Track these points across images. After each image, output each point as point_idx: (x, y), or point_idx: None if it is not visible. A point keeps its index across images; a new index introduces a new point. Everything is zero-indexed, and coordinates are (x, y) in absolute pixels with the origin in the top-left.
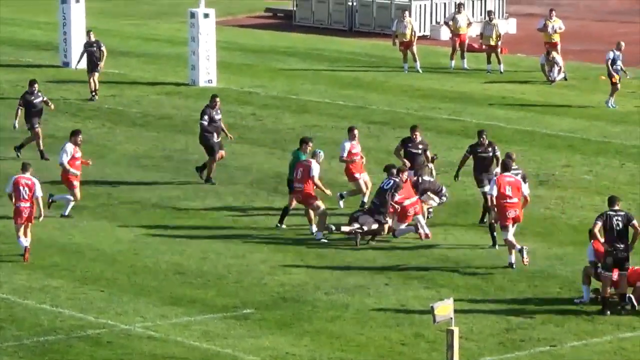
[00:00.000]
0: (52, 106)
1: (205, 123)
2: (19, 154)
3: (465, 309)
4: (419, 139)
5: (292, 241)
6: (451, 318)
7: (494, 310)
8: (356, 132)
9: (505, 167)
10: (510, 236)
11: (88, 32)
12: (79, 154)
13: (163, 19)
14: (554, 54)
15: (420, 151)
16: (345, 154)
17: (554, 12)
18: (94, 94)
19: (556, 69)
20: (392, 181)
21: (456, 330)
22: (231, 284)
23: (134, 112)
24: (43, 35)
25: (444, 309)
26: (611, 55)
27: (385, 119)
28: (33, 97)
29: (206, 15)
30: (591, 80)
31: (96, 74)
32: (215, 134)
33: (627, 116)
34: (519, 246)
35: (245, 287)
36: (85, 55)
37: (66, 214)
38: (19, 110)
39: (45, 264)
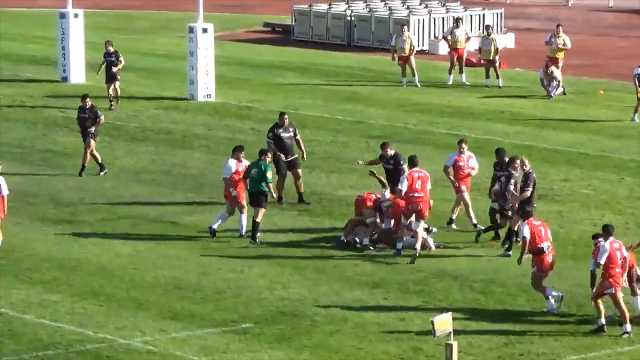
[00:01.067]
0: (102, 119)
1: (271, 142)
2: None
3: (464, 323)
4: (391, 153)
5: (290, 255)
6: (450, 332)
7: (492, 324)
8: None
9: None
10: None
11: (106, 43)
12: (241, 169)
13: (161, 34)
14: (552, 68)
15: (391, 166)
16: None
17: (560, 27)
18: (112, 104)
19: (554, 83)
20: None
21: (455, 344)
22: (230, 299)
23: (133, 127)
24: (41, 50)
25: (444, 323)
26: (638, 70)
27: (384, 134)
28: (81, 112)
29: (205, 30)
30: (589, 94)
31: (116, 83)
32: (283, 154)
33: (625, 130)
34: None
35: (244, 301)
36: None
37: (215, 226)
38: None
39: (44, 279)
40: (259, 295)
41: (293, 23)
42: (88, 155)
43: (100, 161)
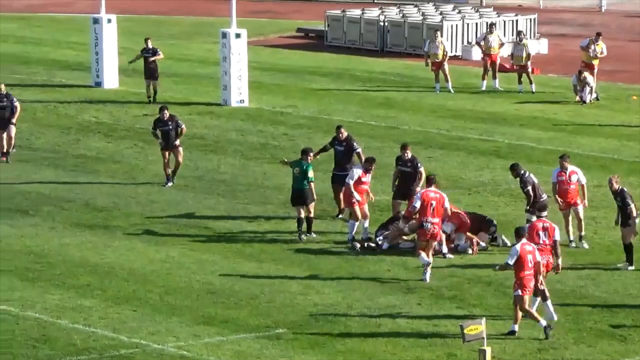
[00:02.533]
0: (184, 128)
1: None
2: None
3: (497, 328)
4: (408, 156)
5: (325, 261)
6: (483, 338)
7: (526, 330)
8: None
9: (429, 182)
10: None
11: (146, 40)
12: (365, 179)
13: (195, 40)
14: (585, 74)
15: (409, 169)
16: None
17: (600, 36)
18: (150, 99)
19: (587, 89)
20: None
21: (488, 350)
22: (263, 304)
23: None
24: (75, 56)
25: (475, 328)
26: None
27: (417, 139)
28: (162, 125)
29: (238, 36)
30: (623, 100)
31: (156, 81)
32: (336, 166)
33: None
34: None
35: (278, 306)
36: (143, 61)
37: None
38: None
39: (77, 284)
40: (293, 300)
41: (326, 28)
42: (180, 165)
43: (176, 173)
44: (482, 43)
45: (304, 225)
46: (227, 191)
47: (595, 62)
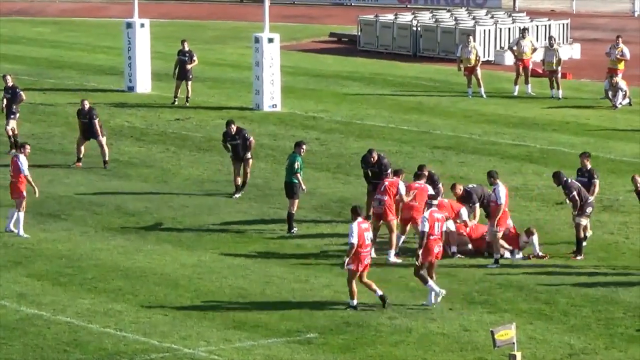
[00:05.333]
0: (252, 141)
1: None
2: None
3: (528, 333)
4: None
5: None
6: (513, 343)
7: (557, 335)
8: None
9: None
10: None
11: (182, 42)
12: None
13: (227, 44)
14: (617, 79)
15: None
16: None
17: (620, 38)
18: (175, 100)
19: (620, 94)
20: None
21: (519, 355)
22: (294, 308)
23: (199, 137)
24: (108, 60)
25: (505, 333)
26: None
27: (449, 144)
28: (230, 139)
29: (270, 40)
30: None
31: (189, 83)
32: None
33: None
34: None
35: (309, 311)
36: (176, 62)
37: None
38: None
39: (109, 288)
40: (324, 305)
41: (359, 33)
42: (248, 176)
43: (245, 184)
44: (515, 48)
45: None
46: (259, 196)
47: (620, 66)
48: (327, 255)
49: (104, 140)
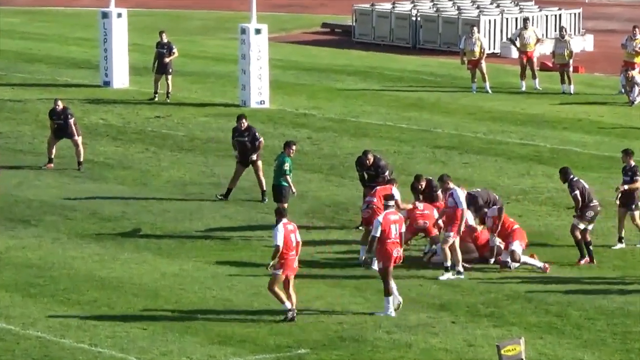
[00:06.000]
0: (261, 141)
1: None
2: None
3: (538, 349)
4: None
5: (350, 275)
6: (522, 359)
7: (570, 350)
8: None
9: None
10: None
11: (161, 33)
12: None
13: (211, 35)
14: (633, 73)
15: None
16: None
17: (637, 29)
18: (155, 95)
19: (637, 89)
20: None
21: None
22: (284, 322)
23: (180, 136)
24: (82, 53)
25: (513, 349)
26: None
27: (452, 144)
28: (238, 134)
29: (258, 31)
30: None
31: (169, 77)
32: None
33: None
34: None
35: (300, 325)
36: (155, 56)
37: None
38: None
39: (83, 300)
40: (316, 318)
41: (354, 24)
42: (263, 183)
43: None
44: (517, 40)
45: None
46: (246, 200)
47: (637, 60)
48: (319, 264)
49: (79, 140)
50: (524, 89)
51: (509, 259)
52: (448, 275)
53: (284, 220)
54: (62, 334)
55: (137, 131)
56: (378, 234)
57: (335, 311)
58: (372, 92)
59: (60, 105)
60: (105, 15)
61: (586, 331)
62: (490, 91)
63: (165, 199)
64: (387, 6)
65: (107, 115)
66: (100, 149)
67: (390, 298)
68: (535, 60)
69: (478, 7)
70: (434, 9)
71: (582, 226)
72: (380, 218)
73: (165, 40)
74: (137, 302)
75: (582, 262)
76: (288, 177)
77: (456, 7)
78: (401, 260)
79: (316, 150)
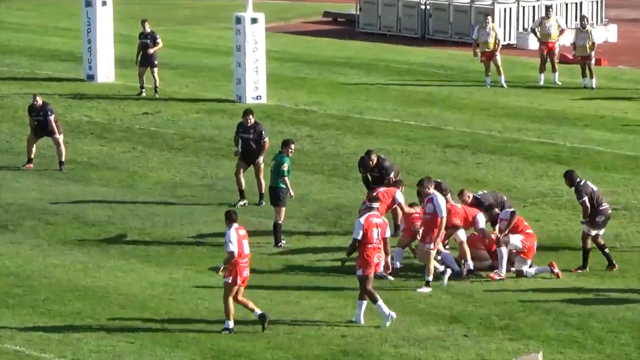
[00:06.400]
0: (266, 141)
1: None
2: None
3: None
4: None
5: (354, 285)
6: None
7: None
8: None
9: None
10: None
11: (143, 22)
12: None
13: (203, 25)
14: None
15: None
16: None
17: None
18: (142, 90)
19: None
20: None
21: None
22: (283, 335)
23: (170, 134)
24: (63, 44)
25: None
26: None
27: (464, 142)
28: (243, 131)
29: (254, 20)
30: None
31: (155, 69)
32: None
33: None
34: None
35: (300, 338)
36: (138, 47)
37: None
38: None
39: (65, 311)
40: (317, 331)
41: (358, 12)
42: (262, 185)
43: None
44: (538, 29)
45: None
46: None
47: None
48: (320, 272)
49: (60, 138)
50: (541, 83)
51: (524, 268)
52: (428, 290)
53: (235, 225)
54: (43, 347)
55: (123, 129)
56: (359, 237)
57: (338, 323)
58: (377, 86)
59: (40, 100)
60: (88, 3)
61: (609, 345)
62: (505, 85)
63: (154, 202)
64: None
65: (91, 112)
66: (84, 148)
67: (380, 303)
68: (556, 52)
69: None
70: None
71: (593, 232)
72: (361, 219)
73: (148, 30)
74: (123, 314)
75: (580, 271)
76: (286, 178)
77: None
78: (385, 268)
79: (317, 149)
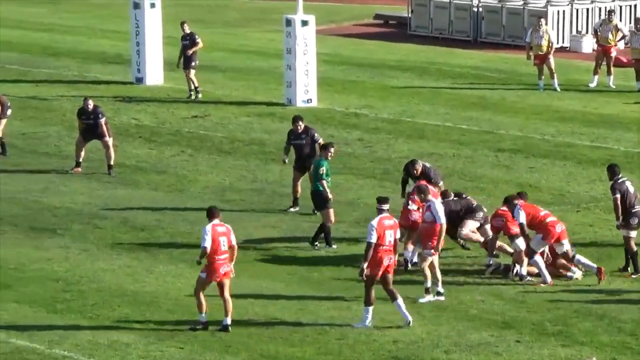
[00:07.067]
0: (321, 142)
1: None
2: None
3: None
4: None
5: (406, 290)
6: None
7: None
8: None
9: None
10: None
11: (182, 24)
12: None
13: (253, 27)
14: None
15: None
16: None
17: None
18: (191, 93)
19: None
20: None
21: None
22: (333, 341)
23: (220, 137)
24: (112, 46)
25: None
26: None
27: (516, 146)
28: (295, 137)
29: (305, 23)
30: None
31: (191, 71)
32: None
33: None
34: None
35: (351, 344)
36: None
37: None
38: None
39: (113, 316)
40: (368, 336)
41: (409, 15)
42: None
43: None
44: (599, 31)
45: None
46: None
47: None
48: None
49: (110, 141)
50: (593, 85)
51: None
52: (429, 298)
53: (215, 221)
54: (91, 353)
55: (172, 132)
56: (374, 240)
57: (389, 328)
58: (429, 89)
59: (91, 104)
60: (137, 5)
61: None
62: (558, 89)
63: (203, 206)
64: None
65: (140, 115)
66: (133, 151)
67: (370, 308)
68: (613, 56)
69: None
70: None
71: (632, 234)
72: (374, 222)
73: (187, 31)
74: (172, 319)
75: (634, 276)
76: (324, 182)
77: None
78: (392, 271)
79: (368, 153)
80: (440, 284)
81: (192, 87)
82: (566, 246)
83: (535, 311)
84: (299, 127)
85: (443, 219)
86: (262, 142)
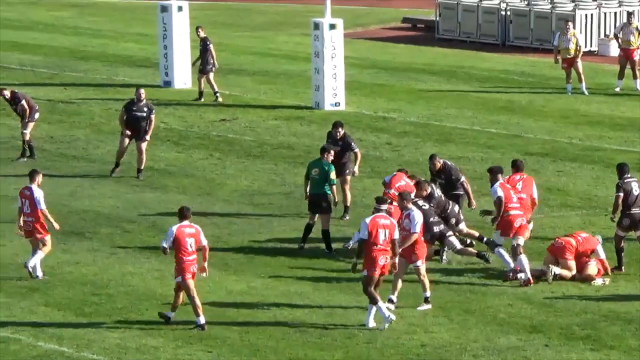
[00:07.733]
0: (357, 152)
1: None
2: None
3: None
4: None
5: (434, 294)
6: None
7: None
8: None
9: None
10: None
11: (197, 28)
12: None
13: (281, 31)
14: None
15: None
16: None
17: None
18: (217, 95)
19: None
20: None
21: None
22: (362, 344)
23: (248, 141)
24: (140, 50)
25: None
26: None
27: (544, 150)
28: (333, 143)
29: (332, 26)
30: None
31: (210, 74)
32: None
33: None
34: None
35: (379, 347)
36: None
37: None
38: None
39: (142, 320)
40: (397, 340)
41: (437, 18)
42: (348, 199)
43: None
44: (620, 35)
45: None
46: None
47: None
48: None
49: (144, 145)
50: (618, 89)
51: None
52: (428, 306)
53: (184, 222)
54: (120, 356)
55: (200, 136)
56: (365, 237)
57: (417, 332)
58: (457, 93)
59: (144, 94)
60: (164, 8)
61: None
62: (586, 92)
63: (232, 210)
64: None
65: (168, 118)
66: (161, 154)
67: (375, 306)
68: (636, 59)
69: (573, 1)
70: (525, 3)
71: (621, 234)
72: (367, 220)
73: (202, 35)
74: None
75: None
76: (334, 187)
77: (549, 1)
78: (392, 267)
79: (396, 156)
80: (397, 292)
81: (214, 91)
82: (520, 241)
83: (563, 315)
84: (338, 133)
85: (418, 228)
86: (290, 145)
